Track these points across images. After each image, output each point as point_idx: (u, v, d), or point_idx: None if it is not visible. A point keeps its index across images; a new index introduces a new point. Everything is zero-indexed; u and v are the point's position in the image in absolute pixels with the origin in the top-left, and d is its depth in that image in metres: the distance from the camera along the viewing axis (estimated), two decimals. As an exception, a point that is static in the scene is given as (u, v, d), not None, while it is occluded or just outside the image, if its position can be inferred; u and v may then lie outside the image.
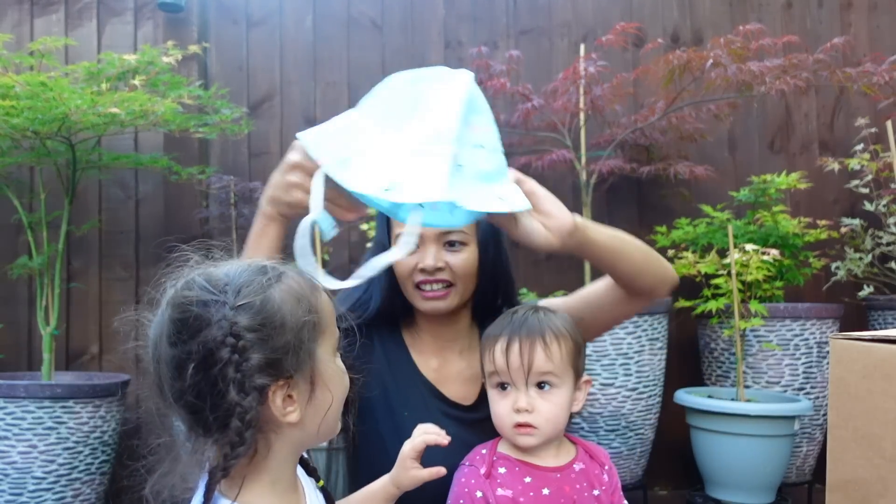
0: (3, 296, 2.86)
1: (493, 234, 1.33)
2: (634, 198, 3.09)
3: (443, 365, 1.35)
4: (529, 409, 1.12)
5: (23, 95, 2.22)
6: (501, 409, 1.15)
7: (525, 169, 2.77)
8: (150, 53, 2.48)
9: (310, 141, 0.97)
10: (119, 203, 2.91)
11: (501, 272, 1.36)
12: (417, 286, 1.29)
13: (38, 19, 2.95)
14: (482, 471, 1.13)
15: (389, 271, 1.31)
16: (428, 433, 1.08)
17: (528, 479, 1.13)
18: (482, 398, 1.27)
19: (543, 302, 1.35)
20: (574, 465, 1.17)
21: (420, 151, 0.91)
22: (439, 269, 1.27)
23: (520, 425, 1.13)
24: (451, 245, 1.28)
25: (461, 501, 1.12)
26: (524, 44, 3.13)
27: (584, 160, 2.71)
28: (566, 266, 2.97)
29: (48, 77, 2.21)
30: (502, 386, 1.16)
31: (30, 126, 2.28)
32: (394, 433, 1.23)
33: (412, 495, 1.11)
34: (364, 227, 2.75)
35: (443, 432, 1.08)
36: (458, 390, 1.32)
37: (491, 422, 1.20)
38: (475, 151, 0.98)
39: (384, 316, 1.34)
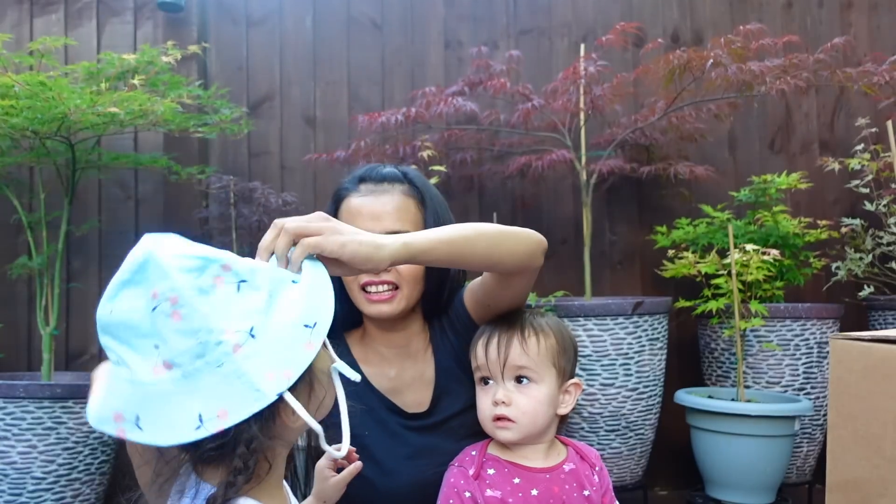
0: (3, 296, 2.86)
1: None
2: (634, 198, 3.09)
3: (400, 373, 1.33)
4: (507, 402, 1.15)
5: (22, 95, 2.21)
6: (483, 403, 1.18)
7: (525, 169, 2.77)
8: (149, 53, 2.48)
9: (95, 418, 0.79)
10: (119, 203, 2.91)
11: (451, 275, 1.34)
12: (363, 288, 1.27)
13: (38, 19, 2.95)
14: (471, 472, 1.14)
15: (336, 279, 1.29)
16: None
17: (517, 480, 1.14)
18: (436, 400, 1.30)
19: (469, 286, 1.34)
20: (564, 466, 1.17)
21: (190, 372, 0.73)
22: (385, 271, 1.25)
23: (498, 418, 1.15)
24: None
25: (450, 501, 1.13)
26: (524, 44, 3.12)
27: (584, 160, 2.71)
28: (566, 266, 2.98)
29: (48, 77, 2.21)
30: (485, 381, 1.19)
31: (29, 126, 2.28)
32: (359, 455, 1.21)
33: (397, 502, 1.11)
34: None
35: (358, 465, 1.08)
36: (414, 397, 1.31)
37: (449, 422, 1.20)
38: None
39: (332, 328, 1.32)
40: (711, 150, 3.08)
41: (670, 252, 2.69)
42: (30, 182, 2.78)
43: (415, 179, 1.34)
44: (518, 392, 1.16)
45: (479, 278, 1.32)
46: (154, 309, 0.73)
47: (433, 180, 2.55)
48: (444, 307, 1.36)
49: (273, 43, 3.10)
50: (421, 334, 1.37)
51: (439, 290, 1.33)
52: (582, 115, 2.73)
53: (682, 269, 2.56)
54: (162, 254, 0.74)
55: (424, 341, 1.36)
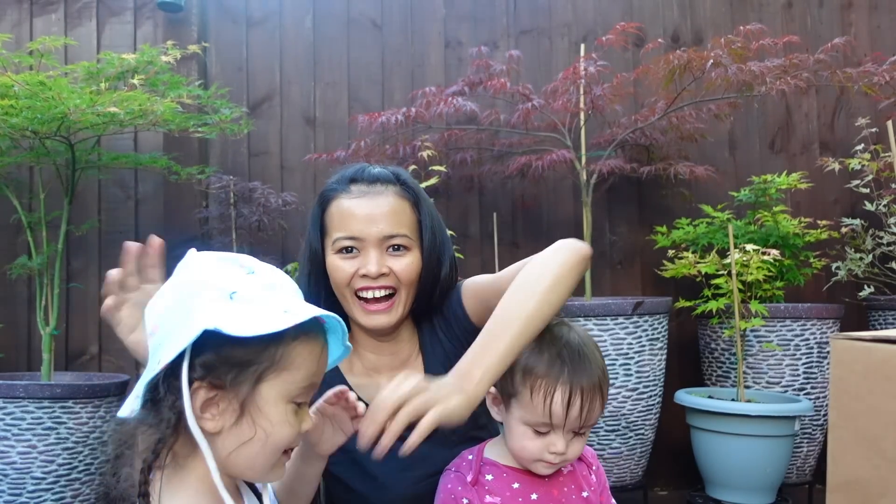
0: (3, 296, 2.85)
1: (438, 238, 1.27)
2: (634, 198, 3.09)
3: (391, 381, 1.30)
4: (564, 453, 1.08)
5: (22, 95, 2.21)
6: (532, 445, 1.08)
7: (525, 169, 2.77)
8: (149, 53, 2.48)
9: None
10: (118, 203, 2.90)
11: (443, 277, 1.28)
12: (357, 294, 1.21)
13: (38, 19, 2.95)
14: (469, 478, 1.11)
15: (325, 282, 1.23)
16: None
17: (516, 485, 1.11)
18: None
19: (468, 281, 1.29)
20: (563, 469, 1.15)
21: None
22: (383, 275, 1.20)
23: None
24: (395, 249, 1.21)
25: None
26: (524, 44, 3.12)
27: (584, 160, 2.71)
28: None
29: (47, 77, 2.21)
30: (540, 429, 1.08)
31: (29, 126, 2.28)
32: (352, 470, 1.20)
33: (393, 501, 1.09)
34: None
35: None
36: None
37: (442, 430, 1.16)
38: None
39: None
40: (711, 150, 3.08)
41: (670, 252, 2.69)
42: (30, 182, 2.78)
43: (407, 181, 1.28)
44: (575, 441, 1.09)
45: (488, 280, 1.24)
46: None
47: (433, 180, 2.54)
48: (435, 306, 1.30)
49: (273, 43, 3.10)
50: (411, 340, 1.31)
51: (432, 289, 1.27)
52: (582, 115, 2.73)
53: (682, 269, 2.56)
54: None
55: (414, 347, 1.31)
